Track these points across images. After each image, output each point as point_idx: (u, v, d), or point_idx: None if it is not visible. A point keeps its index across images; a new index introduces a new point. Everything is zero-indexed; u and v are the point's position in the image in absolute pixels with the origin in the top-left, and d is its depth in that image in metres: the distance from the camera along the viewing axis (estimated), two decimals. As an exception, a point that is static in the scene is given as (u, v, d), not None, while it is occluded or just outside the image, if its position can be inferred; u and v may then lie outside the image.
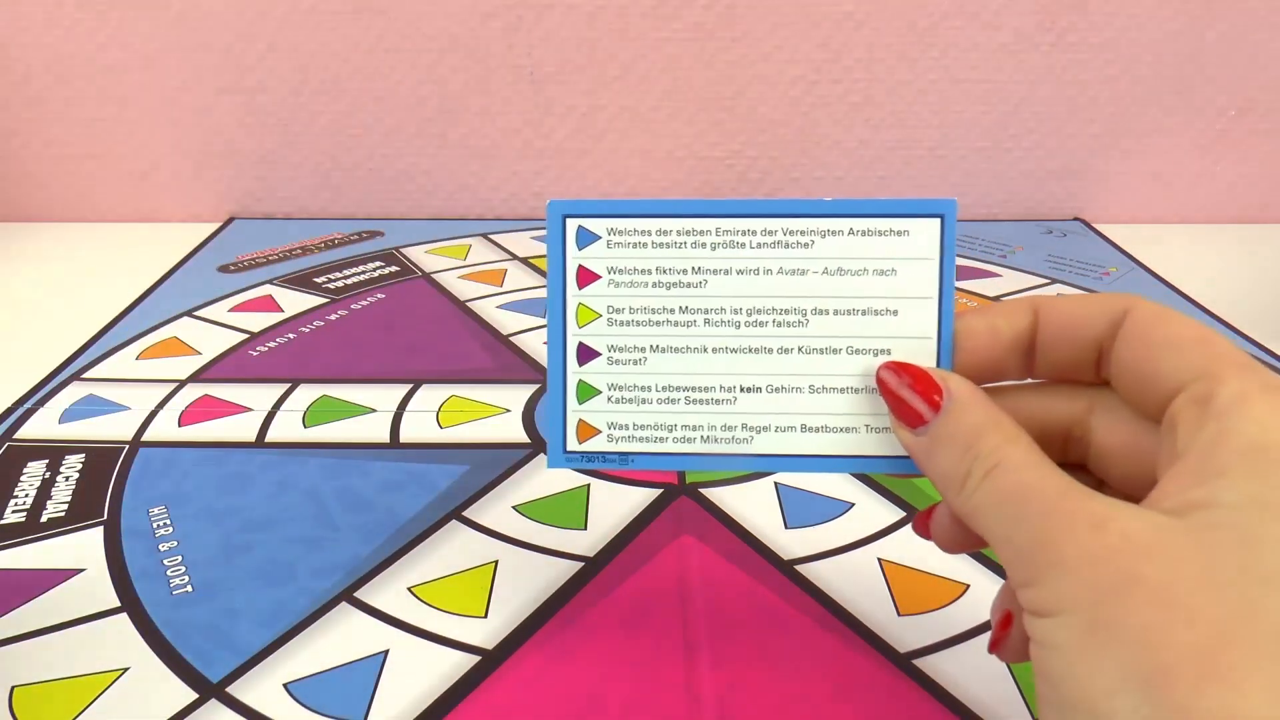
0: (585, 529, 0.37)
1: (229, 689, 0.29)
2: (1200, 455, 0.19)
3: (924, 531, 0.26)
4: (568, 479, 0.40)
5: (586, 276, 0.27)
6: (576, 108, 0.68)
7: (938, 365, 0.25)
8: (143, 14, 0.64)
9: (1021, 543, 0.20)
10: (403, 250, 0.64)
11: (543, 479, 0.40)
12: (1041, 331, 0.24)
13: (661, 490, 0.39)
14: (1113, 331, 0.23)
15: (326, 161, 0.69)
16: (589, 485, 0.39)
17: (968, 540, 0.24)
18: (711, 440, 0.26)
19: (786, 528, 0.37)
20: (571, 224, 0.27)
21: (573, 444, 0.27)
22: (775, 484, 0.39)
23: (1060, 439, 0.24)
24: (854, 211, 0.25)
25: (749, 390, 0.26)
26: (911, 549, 0.36)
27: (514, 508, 0.38)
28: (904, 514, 0.38)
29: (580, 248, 0.27)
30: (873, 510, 0.38)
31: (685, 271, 0.26)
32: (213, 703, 0.29)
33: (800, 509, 0.38)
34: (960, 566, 0.35)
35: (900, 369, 0.24)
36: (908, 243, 0.25)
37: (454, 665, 0.30)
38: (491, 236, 0.67)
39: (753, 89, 0.67)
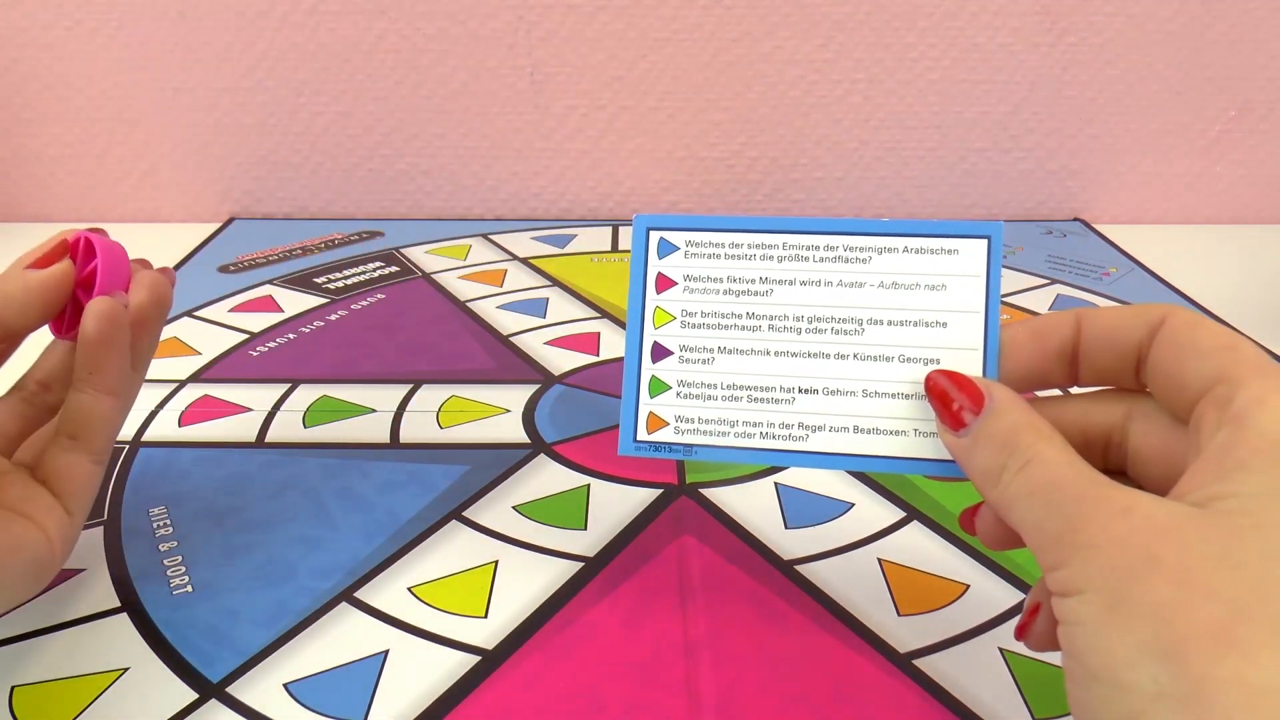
0: (585, 529, 0.37)
1: (229, 689, 0.29)
2: (1219, 452, 0.21)
3: (969, 527, 0.27)
4: (567, 479, 0.40)
5: (665, 283, 0.29)
6: (576, 108, 0.68)
7: (984, 374, 0.26)
8: (143, 14, 0.64)
9: (1051, 529, 0.21)
10: (403, 250, 0.64)
11: (543, 479, 0.40)
12: (1084, 340, 0.25)
13: (661, 490, 0.39)
14: (1151, 338, 0.24)
15: (326, 161, 0.69)
16: (589, 485, 0.39)
17: (1010, 537, 0.25)
18: (770, 437, 0.28)
19: (786, 528, 0.37)
20: (654, 236, 0.29)
21: (642, 434, 0.29)
22: (775, 484, 0.39)
23: (1101, 445, 0.26)
24: (908, 231, 0.28)
25: (807, 392, 0.28)
26: (911, 549, 0.36)
27: (514, 508, 0.38)
28: (904, 514, 0.38)
29: (661, 257, 0.29)
30: (873, 510, 0.38)
31: (754, 281, 0.28)
32: (213, 703, 0.29)
33: (800, 509, 0.38)
34: (960, 566, 0.35)
35: (947, 376, 0.26)
36: (957, 260, 0.27)
37: (454, 665, 0.30)
38: (491, 236, 0.67)
39: (753, 89, 0.67)
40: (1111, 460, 0.26)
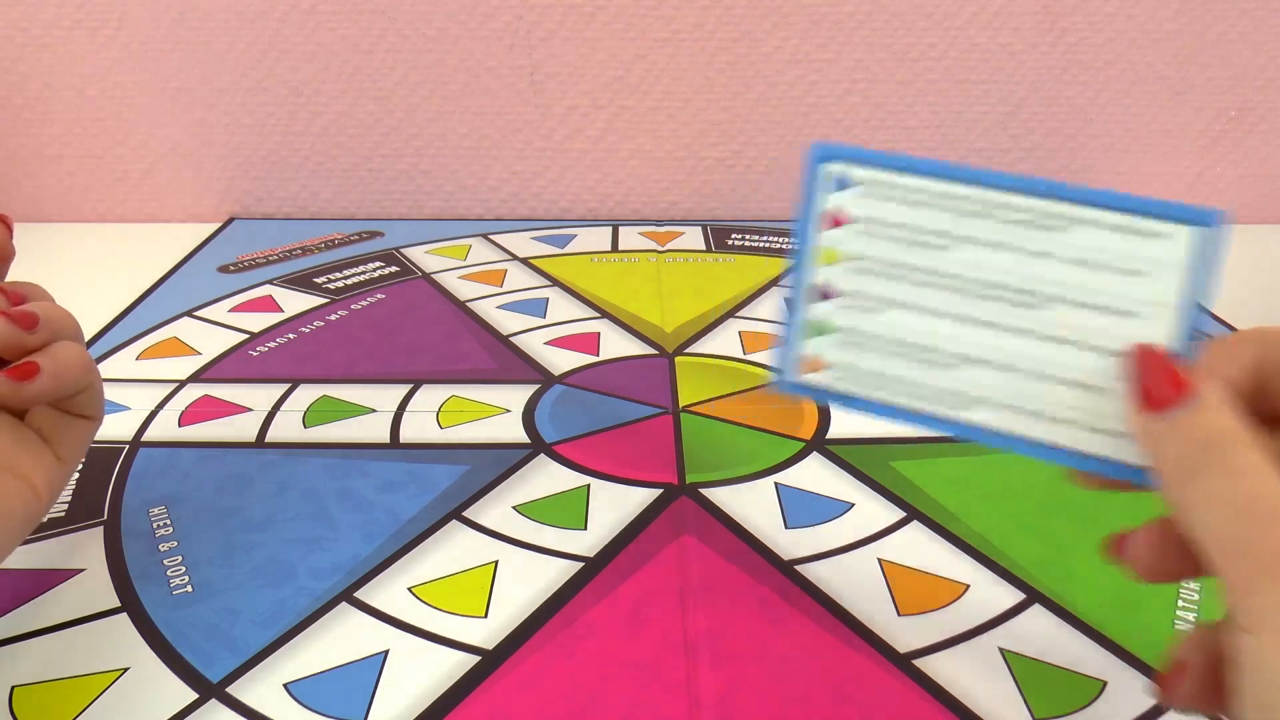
0: (585, 529, 0.37)
1: (229, 689, 0.29)
2: None
3: (1119, 553, 0.25)
4: (567, 479, 0.40)
5: (836, 221, 0.27)
6: (576, 108, 0.68)
7: None
8: (143, 14, 0.64)
9: (1245, 546, 0.20)
10: (403, 250, 0.64)
11: (543, 479, 0.40)
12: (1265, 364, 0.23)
13: (661, 490, 0.39)
14: None
15: (327, 161, 0.69)
16: (589, 485, 0.39)
17: (1172, 565, 0.23)
18: (928, 400, 0.26)
19: (786, 528, 0.37)
20: (834, 169, 0.27)
21: (800, 375, 0.27)
22: (775, 484, 0.39)
23: None
24: (1115, 204, 0.25)
25: (973, 362, 0.26)
26: (912, 549, 0.36)
27: (514, 508, 0.38)
28: (904, 514, 0.38)
29: (836, 193, 0.27)
30: (873, 510, 0.38)
31: (933, 234, 0.26)
32: (213, 703, 0.29)
33: (800, 509, 0.38)
34: (960, 566, 0.35)
35: (1157, 355, 0.23)
36: (1163, 246, 0.24)
37: (454, 665, 0.30)
38: (491, 236, 0.67)
39: (753, 89, 0.67)
40: None
